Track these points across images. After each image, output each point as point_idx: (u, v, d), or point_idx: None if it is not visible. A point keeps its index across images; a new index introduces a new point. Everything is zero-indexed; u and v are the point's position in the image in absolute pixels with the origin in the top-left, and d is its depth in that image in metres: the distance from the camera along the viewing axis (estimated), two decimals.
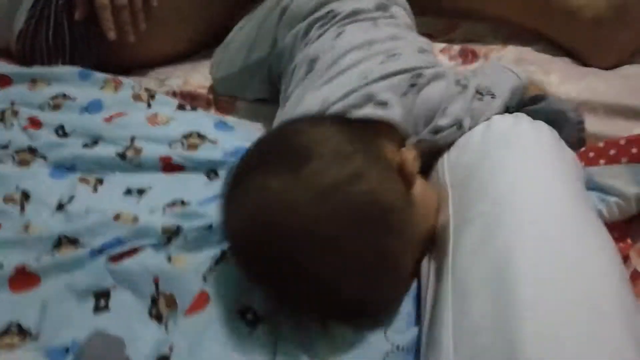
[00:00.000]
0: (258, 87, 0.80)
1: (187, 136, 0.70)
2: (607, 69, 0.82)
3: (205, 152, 0.68)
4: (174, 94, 0.84)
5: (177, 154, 0.68)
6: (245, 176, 0.47)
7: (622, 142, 0.59)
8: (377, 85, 0.57)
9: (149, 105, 0.77)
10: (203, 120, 0.74)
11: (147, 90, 0.79)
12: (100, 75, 0.81)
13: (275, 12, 0.75)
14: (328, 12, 0.69)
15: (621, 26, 0.81)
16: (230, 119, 0.79)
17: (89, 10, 0.86)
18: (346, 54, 0.63)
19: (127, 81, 0.81)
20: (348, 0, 0.70)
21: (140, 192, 0.66)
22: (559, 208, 0.47)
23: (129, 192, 0.66)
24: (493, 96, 0.61)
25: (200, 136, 0.70)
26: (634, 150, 0.58)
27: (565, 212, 0.47)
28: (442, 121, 0.58)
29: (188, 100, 0.83)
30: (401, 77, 0.58)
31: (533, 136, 0.56)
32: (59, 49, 0.90)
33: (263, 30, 0.76)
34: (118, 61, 0.91)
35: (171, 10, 0.89)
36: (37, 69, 0.83)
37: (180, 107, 0.77)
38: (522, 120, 0.58)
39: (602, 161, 0.59)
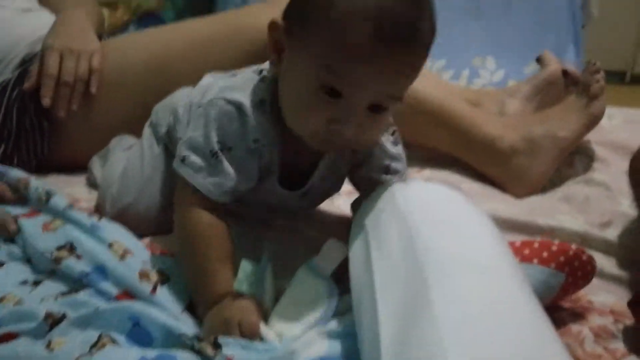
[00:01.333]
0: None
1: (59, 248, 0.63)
2: (520, 197, 0.86)
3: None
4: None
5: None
6: None
7: (536, 245, 0.62)
8: None
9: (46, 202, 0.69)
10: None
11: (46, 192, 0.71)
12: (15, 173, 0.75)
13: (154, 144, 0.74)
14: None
15: (533, 158, 0.86)
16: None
17: (38, 84, 0.88)
18: None
19: (35, 183, 0.73)
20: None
21: (36, 283, 0.63)
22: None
23: (25, 282, 0.63)
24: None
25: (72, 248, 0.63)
26: (545, 255, 0.61)
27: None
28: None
29: None
30: None
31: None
32: (3, 138, 0.90)
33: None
34: (63, 158, 0.91)
35: (120, 121, 0.90)
36: None
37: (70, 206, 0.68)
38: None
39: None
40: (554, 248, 0.61)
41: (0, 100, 0.90)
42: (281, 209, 0.71)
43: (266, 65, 0.61)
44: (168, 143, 0.73)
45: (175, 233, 0.62)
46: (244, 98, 0.58)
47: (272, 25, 0.56)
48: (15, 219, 0.66)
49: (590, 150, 0.97)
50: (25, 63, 0.93)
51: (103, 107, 0.89)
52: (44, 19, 1.01)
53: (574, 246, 0.62)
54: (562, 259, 0.61)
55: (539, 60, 1.05)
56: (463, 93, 1.03)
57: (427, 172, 0.91)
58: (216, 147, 0.57)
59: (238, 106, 0.58)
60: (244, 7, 1.28)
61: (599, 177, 0.89)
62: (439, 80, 1.07)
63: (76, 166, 0.91)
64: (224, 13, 1.15)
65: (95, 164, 0.87)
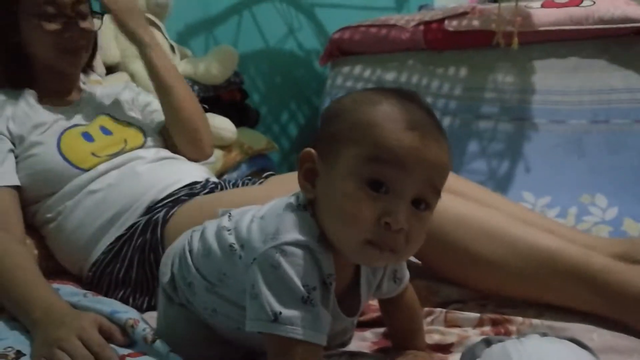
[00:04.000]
0: None
1: None
2: None
3: None
4: None
5: None
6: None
7: None
8: None
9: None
10: None
11: None
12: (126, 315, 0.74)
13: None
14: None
15: None
16: None
17: None
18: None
19: (144, 325, 0.72)
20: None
21: None
22: None
23: None
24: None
25: None
26: None
27: None
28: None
29: None
30: None
31: None
32: (125, 282, 0.94)
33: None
34: None
35: None
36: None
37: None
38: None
39: None
40: None
41: (127, 247, 0.95)
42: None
43: (291, 199, 0.60)
44: (170, 291, 0.69)
45: None
46: (305, 237, 0.56)
47: (306, 155, 0.58)
48: (122, 359, 0.65)
49: None
50: (150, 210, 0.98)
51: None
52: (173, 167, 1.09)
53: None
54: None
55: None
56: (608, 247, 0.88)
57: (548, 320, 0.76)
58: (305, 292, 0.54)
59: (306, 246, 0.55)
60: None
61: None
62: (574, 233, 0.94)
63: None
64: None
65: None
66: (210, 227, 0.67)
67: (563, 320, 0.77)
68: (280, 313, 0.53)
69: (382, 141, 0.54)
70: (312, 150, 0.58)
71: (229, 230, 0.63)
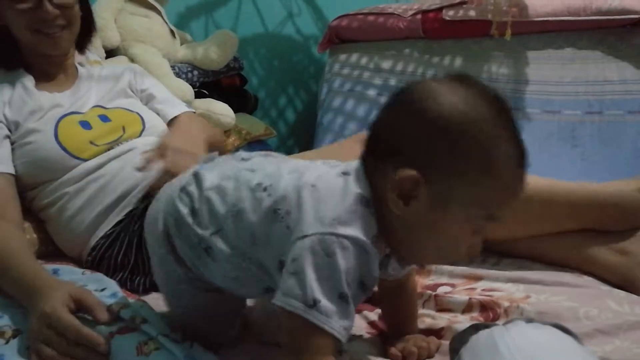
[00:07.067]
0: None
1: None
2: None
3: None
4: None
5: None
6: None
7: None
8: None
9: None
10: None
11: None
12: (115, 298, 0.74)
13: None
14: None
15: None
16: None
17: None
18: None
19: (136, 306, 0.71)
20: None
21: None
22: None
23: None
24: None
25: None
26: None
27: None
28: None
29: None
30: None
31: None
32: (124, 266, 0.94)
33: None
34: None
35: None
36: None
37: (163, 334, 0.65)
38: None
39: None
40: None
41: (125, 232, 0.95)
42: None
43: (357, 189, 0.57)
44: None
45: None
46: (362, 235, 0.55)
47: (410, 179, 0.54)
48: (108, 338, 0.64)
49: None
50: (149, 195, 0.96)
51: None
52: None
53: None
54: None
55: None
56: None
57: (534, 298, 0.79)
58: (346, 289, 0.54)
59: (362, 246, 0.55)
60: (337, 143, 1.33)
61: None
62: None
63: None
64: (317, 151, 1.19)
65: None
66: (227, 184, 0.62)
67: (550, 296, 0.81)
68: (320, 301, 0.53)
69: (505, 201, 0.56)
70: (418, 176, 0.53)
71: (264, 188, 0.59)
